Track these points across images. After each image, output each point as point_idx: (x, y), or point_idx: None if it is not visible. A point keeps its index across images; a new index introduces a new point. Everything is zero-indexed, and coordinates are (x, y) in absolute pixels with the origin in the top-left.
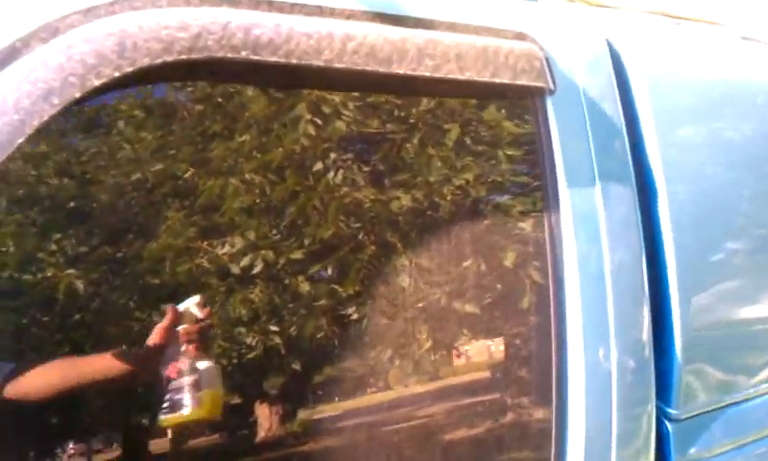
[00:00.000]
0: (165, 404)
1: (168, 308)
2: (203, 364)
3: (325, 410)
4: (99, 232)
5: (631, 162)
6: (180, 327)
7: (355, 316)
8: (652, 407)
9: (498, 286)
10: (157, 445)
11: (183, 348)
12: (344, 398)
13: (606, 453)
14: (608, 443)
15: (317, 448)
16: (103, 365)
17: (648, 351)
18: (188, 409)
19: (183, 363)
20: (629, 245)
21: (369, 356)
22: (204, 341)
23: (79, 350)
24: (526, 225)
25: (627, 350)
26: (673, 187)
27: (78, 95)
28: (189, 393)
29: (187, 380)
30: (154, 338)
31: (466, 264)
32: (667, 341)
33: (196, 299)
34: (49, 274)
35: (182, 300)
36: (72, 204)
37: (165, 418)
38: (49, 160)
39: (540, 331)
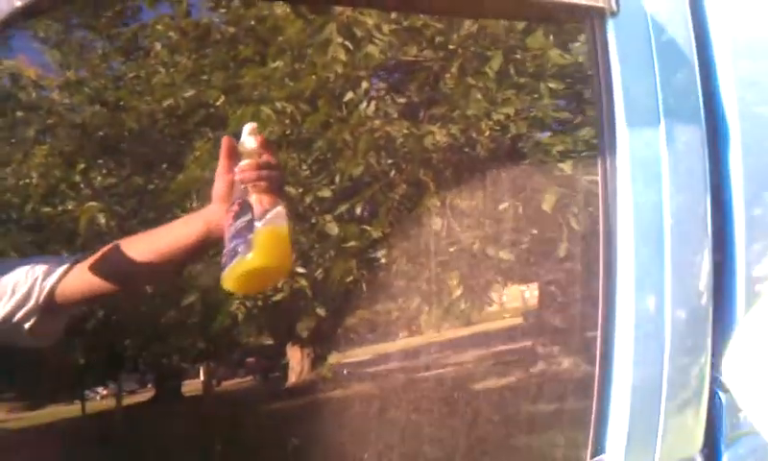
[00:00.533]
0: (222, 260)
1: (223, 139)
2: (266, 205)
3: (356, 355)
4: (128, 162)
5: (701, 100)
6: (240, 165)
7: (385, 259)
8: (707, 359)
9: (536, 231)
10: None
11: (244, 188)
12: (374, 342)
13: (654, 406)
14: (657, 396)
15: (347, 393)
16: (174, 231)
17: (706, 301)
18: (244, 256)
19: (240, 204)
20: (693, 192)
21: (398, 301)
22: (268, 179)
23: None
24: (572, 166)
25: (682, 300)
26: (749, 130)
27: None
28: (244, 235)
29: (243, 221)
30: (216, 183)
31: (502, 207)
32: (727, 300)
33: (248, 127)
34: (70, 206)
35: None
36: (102, 132)
37: (223, 276)
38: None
39: (587, 278)
